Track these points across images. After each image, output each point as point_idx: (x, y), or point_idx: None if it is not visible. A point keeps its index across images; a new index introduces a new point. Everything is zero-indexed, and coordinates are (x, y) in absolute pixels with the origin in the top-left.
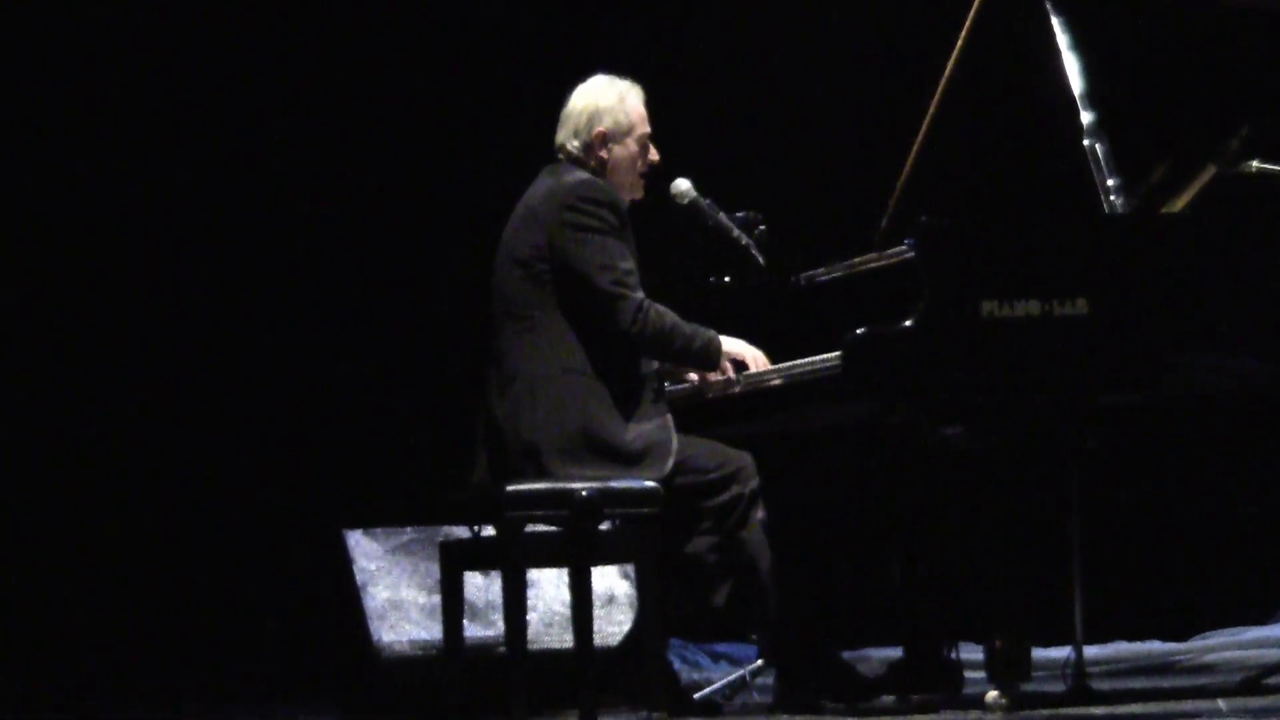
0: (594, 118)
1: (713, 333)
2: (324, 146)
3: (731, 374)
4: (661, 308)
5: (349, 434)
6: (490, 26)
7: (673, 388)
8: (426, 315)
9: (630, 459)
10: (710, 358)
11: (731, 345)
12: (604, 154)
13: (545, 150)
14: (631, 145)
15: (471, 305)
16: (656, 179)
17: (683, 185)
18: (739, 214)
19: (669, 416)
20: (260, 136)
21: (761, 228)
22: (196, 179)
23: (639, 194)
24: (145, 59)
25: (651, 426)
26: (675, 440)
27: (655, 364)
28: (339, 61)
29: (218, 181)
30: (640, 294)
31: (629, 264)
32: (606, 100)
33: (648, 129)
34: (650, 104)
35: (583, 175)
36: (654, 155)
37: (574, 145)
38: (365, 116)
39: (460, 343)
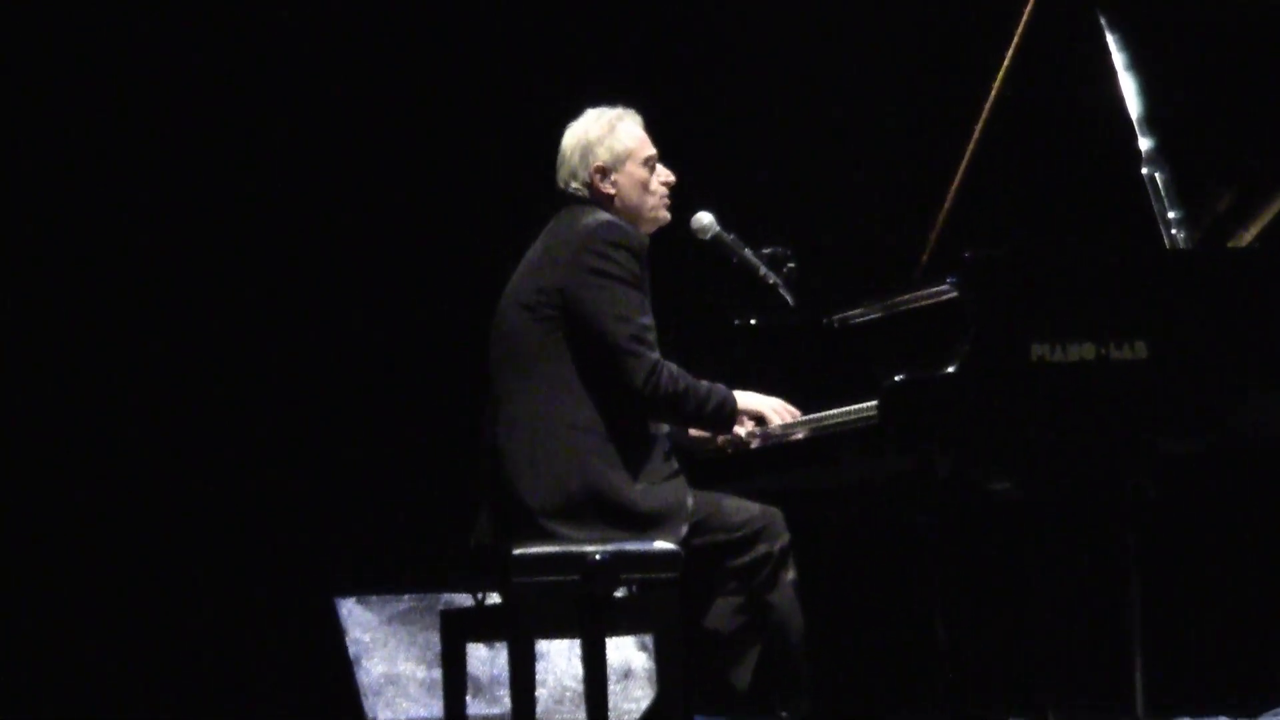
0: (586, 153)
1: (727, 393)
2: (313, 189)
3: (752, 428)
4: (675, 369)
5: (339, 492)
6: (513, 53)
7: (688, 441)
8: (423, 363)
9: (641, 522)
10: (723, 421)
11: (749, 402)
12: (608, 188)
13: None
14: (634, 170)
15: (472, 352)
16: (677, 206)
17: (704, 219)
18: (766, 249)
19: (682, 476)
20: (238, 185)
21: (791, 264)
22: (173, 237)
23: (663, 215)
24: (141, 61)
25: (663, 487)
26: (691, 502)
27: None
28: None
29: (199, 233)
30: (656, 354)
31: (648, 318)
32: (595, 132)
33: (651, 150)
34: (656, 125)
35: (605, 217)
36: (667, 174)
37: (575, 186)
38: (362, 156)
39: (460, 392)
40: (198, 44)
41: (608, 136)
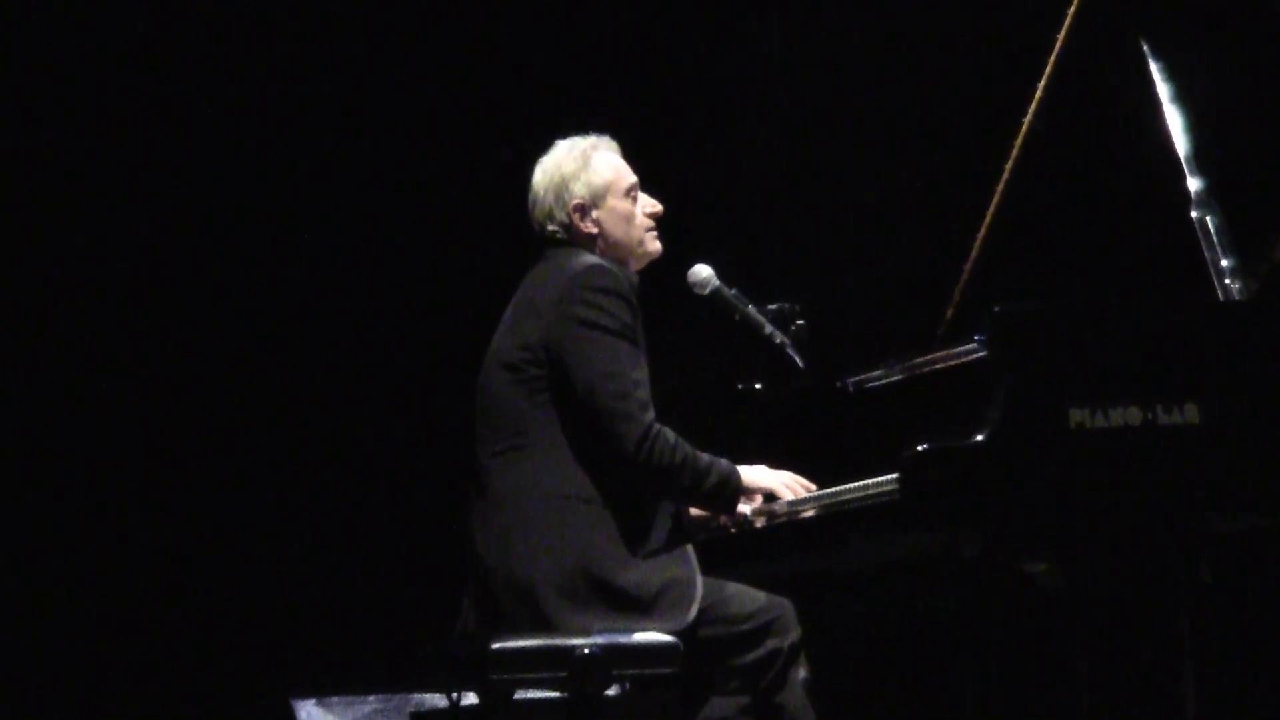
0: (561, 191)
1: (731, 469)
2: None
3: (758, 505)
4: (672, 436)
5: (300, 578)
6: (510, 90)
7: (694, 517)
8: (397, 431)
9: (643, 605)
10: (725, 501)
11: (756, 478)
12: (589, 226)
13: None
14: (616, 204)
15: (451, 418)
16: (672, 257)
17: (703, 272)
18: (772, 305)
19: (691, 552)
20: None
21: (800, 322)
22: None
23: (653, 248)
24: (126, 61)
25: (669, 565)
26: (700, 582)
27: None
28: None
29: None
30: (649, 416)
31: (640, 375)
32: (569, 167)
33: (631, 178)
34: (649, 163)
35: (590, 260)
36: (653, 204)
37: (553, 228)
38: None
39: (439, 464)
40: (173, 55)
41: (583, 170)
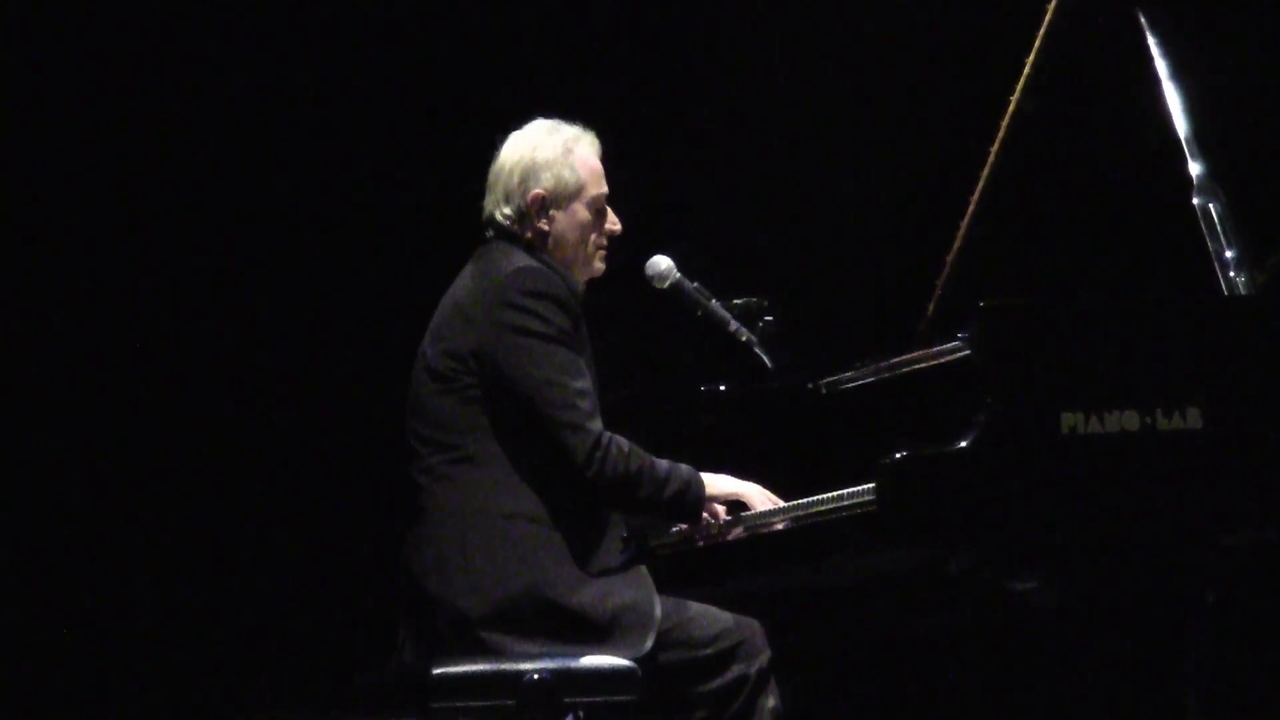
0: (529, 176)
1: (692, 474)
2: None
3: (722, 518)
4: (625, 443)
5: (224, 602)
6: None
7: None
8: (324, 444)
9: (597, 631)
10: (686, 510)
11: (721, 486)
12: (543, 224)
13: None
14: (580, 211)
15: (387, 429)
16: (629, 245)
17: (662, 264)
18: (738, 300)
19: (645, 573)
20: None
21: (768, 318)
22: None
23: (598, 267)
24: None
25: (623, 588)
26: (658, 604)
27: None
28: None
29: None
30: (597, 425)
31: (583, 382)
32: (546, 153)
33: (603, 188)
34: (610, 155)
35: (523, 261)
36: (614, 223)
37: (505, 214)
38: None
39: (372, 479)
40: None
41: (559, 162)
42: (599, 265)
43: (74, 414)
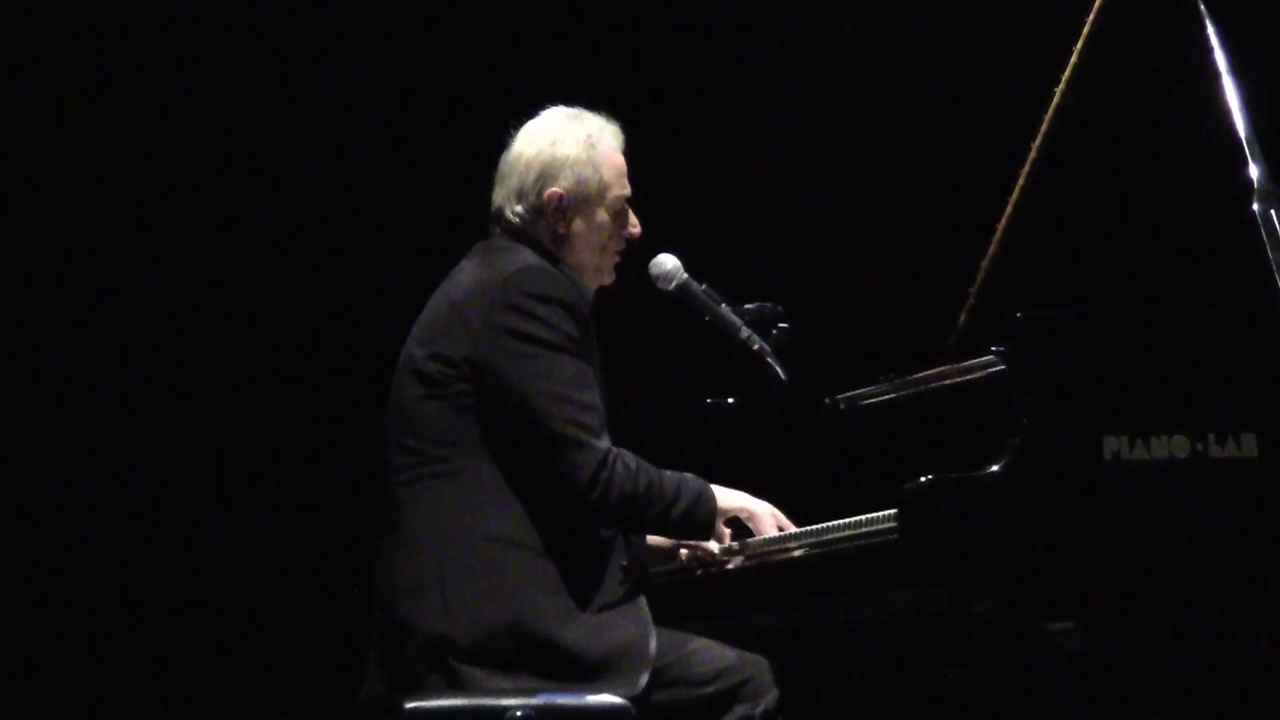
0: (548, 173)
1: (701, 486)
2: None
3: (730, 542)
4: (632, 458)
5: (179, 620)
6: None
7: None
8: (294, 447)
9: (586, 669)
10: (698, 525)
11: (730, 501)
12: (560, 226)
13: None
14: (602, 215)
15: (363, 434)
16: (632, 255)
17: (667, 263)
18: (750, 306)
19: (644, 606)
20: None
21: (782, 325)
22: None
23: (608, 278)
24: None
25: (618, 621)
26: (654, 641)
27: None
28: None
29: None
30: (605, 443)
31: (590, 395)
32: (568, 148)
33: (626, 190)
34: (632, 150)
35: (529, 259)
36: (634, 227)
37: (516, 211)
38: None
39: (343, 489)
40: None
41: (581, 159)
42: (609, 276)
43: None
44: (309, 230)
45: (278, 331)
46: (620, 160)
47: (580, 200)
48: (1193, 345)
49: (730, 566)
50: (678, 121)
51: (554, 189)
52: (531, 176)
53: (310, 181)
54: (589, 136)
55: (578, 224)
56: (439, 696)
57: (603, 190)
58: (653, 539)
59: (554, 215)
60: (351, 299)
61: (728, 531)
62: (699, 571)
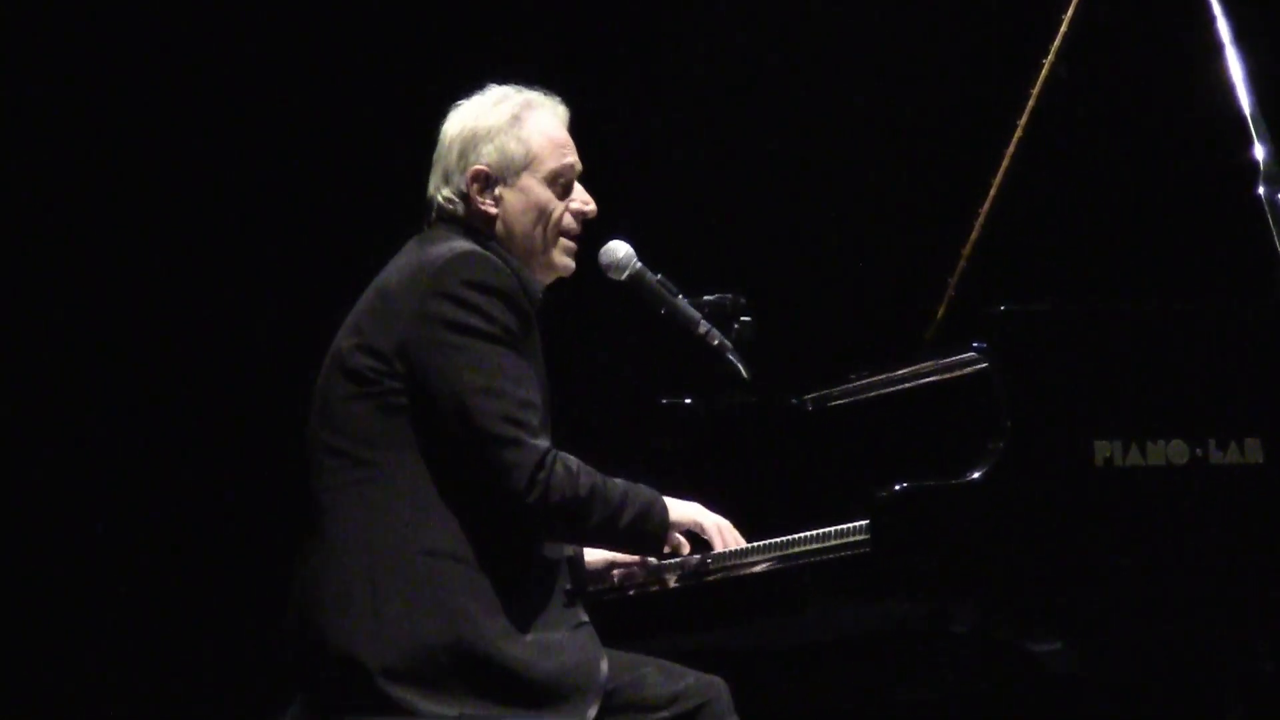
0: (468, 150)
1: (653, 496)
2: None
3: (688, 554)
4: (574, 461)
5: (81, 649)
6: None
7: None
8: (214, 443)
9: (533, 693)
10: (647, 538)
11: (684, 513)
12: (488, 205)
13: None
14: (535, 187)
15: (285, 433)
16: (580, 243)
17: (618, 251)
18: (709, 297)
19: (592, 631)
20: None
21: (745, 319)
22: None
23: (562, 262)
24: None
25: (566, 643)
26: (605, 664)
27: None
28: None
29: None
30: (544, 442)
31: (528, 392)
32: (490, 120)
33: (566, 159)
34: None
35: (464, 245)
36: (585, 200)
37: (446, 196)
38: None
39: (261, 491)
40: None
41: (505, 131)
42: (562, 261)
43: None
44: (243, 221)
45: (194, 326)
46: (557, 133)
47: (505, 171)
48: (1192, 340)
49: (671, 585)
50: (630, 93)
51: (477, 165)
52: (454, 155)
53: (254, 174)
54: (514, 109)
55: (508, 200)
56: None
57: (530, 160)
58: (588, 556)
59: (480, 193)
60: (292, 294)
61: (685, 544)
62: (631, 591)
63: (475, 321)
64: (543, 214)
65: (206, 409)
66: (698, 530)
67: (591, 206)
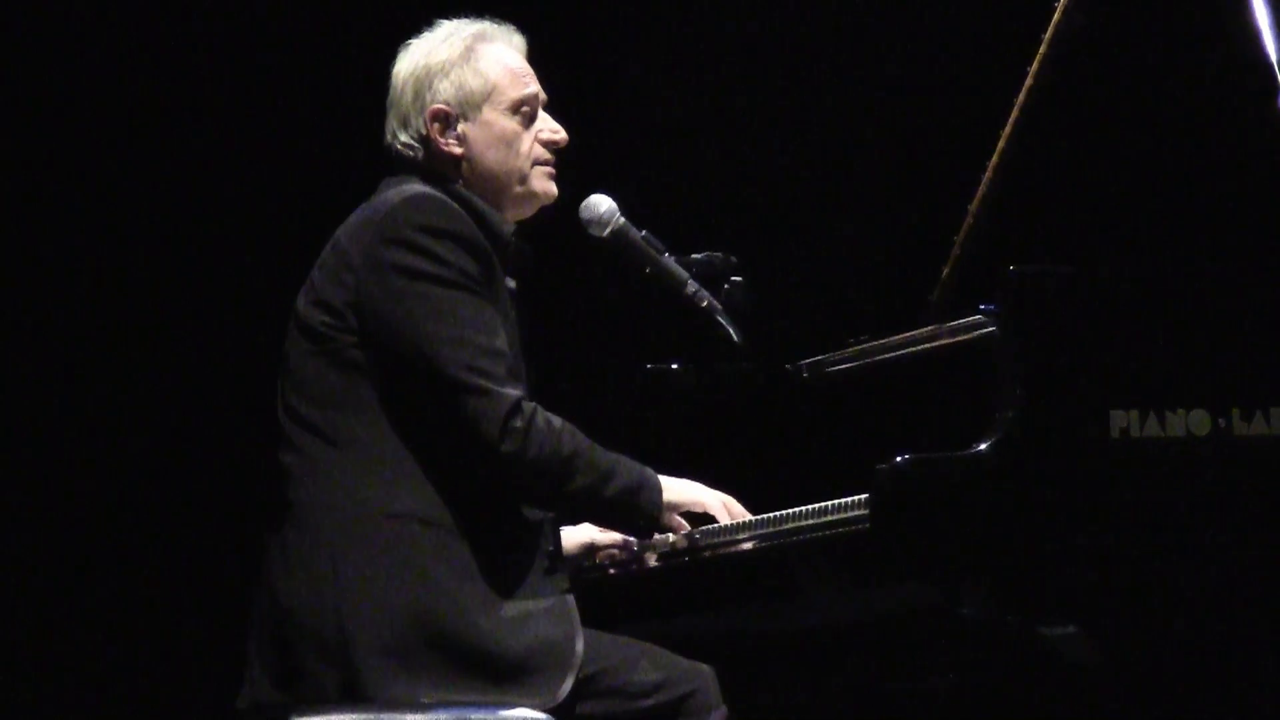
0: (423, 89)
1: (644, 472)
2: None
3: (680, 532)
4: (555, 419)
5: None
6: None
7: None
8: (174, 414)
9: (502, 668)
10: (636, 513)
11: (682, 491)
12: (452, 145)
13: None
14: (498, 120)
15: (249, 399)
16: (568, 187)
17: (600, 205)
18: (698, 255)
19: (571, 603)
20: None
21: (736, 279)
22: None
23: (540, 188)
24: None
25: (541, 618)
26: (580, 640)
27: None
28: None
29: None
30: (515, 390)
31: (494, 339)
32: (441, 56)
33: (527, 88)
34: (548, 70)
35: (413, 188)
36: (553, 129)
37: (403, 141)
38: None
39: (228, 462)
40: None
41: (460, 65)
42: (541, 186)
43: None
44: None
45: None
46: (515, 61)
47: (465, 107)
48: (1215, 305)
49: (676, 560)
50: (615, 43)
51: (436, 104)
52: (409, 97)
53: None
54: (464, 41)
55: (473, 136)
56: (331, 710)
57: (490, 91)
58: (566, 542)
59: (442, 133)
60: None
61: (685, 526)
62: (611, 570)
63: (429, 266)
64: (510, 146)
65: (186, 392)
66: (700, 509)
67: (562, 134)
